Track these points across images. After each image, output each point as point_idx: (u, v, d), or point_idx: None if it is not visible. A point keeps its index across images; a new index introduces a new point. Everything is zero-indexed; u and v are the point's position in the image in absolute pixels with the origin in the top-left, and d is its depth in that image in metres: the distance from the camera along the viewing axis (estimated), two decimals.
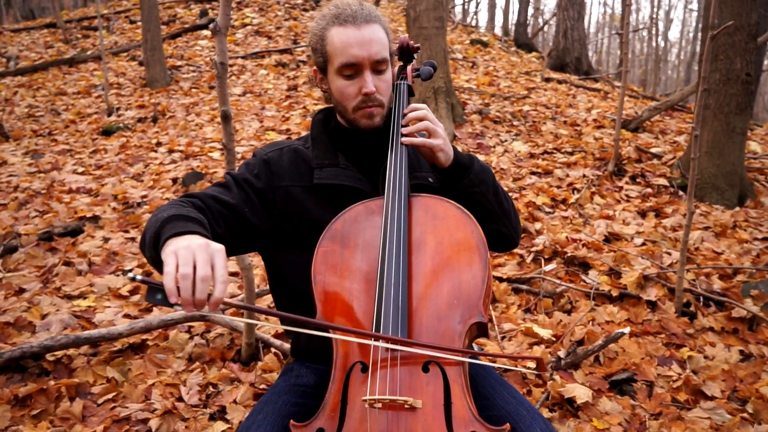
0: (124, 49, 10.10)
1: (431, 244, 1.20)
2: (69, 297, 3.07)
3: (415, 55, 1.54)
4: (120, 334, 2.59)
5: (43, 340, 2.47)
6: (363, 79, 1.27)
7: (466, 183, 1.29)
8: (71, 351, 2.53)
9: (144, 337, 2.67)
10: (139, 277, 0.91)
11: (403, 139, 1.27)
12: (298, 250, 1.29)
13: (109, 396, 2.32)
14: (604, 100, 7.98)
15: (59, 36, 11.14)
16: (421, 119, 1.27)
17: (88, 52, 9.99)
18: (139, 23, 8.94)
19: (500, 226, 1.35)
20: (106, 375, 2.42)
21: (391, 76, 1.35)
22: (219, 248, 0.96)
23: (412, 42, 1.51)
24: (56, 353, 2.49)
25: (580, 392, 2.29)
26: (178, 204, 1.16)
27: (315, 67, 1.36)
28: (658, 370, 2.52)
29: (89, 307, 2.96)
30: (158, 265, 1.01)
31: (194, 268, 0.91)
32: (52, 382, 2.33)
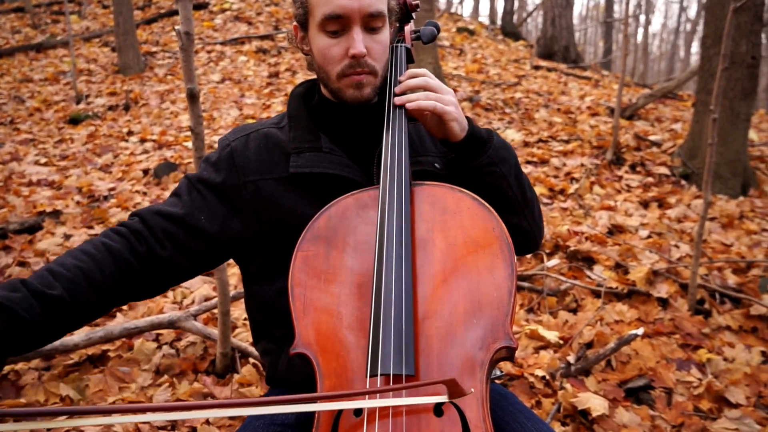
0: (96, 34, 9.63)
1: (440, 245, 0.93)
2: None
3: (414, 15, 1.27)
4: (76, 345, 2.28)
5: None
6: (351, 37, 1.00)
7: (484, 161, 1.03)
8: (20, 366, 2.23)
9: (105, 347, 2.38)
10: None
11: (397, 99, 1.04)
12: (276, 257, 1.03)
13: None
14: (596, 87, 7.78)
15: (27, 21, 10.59)
16: (422, 85, 1.01)
17: (58, 38, 9.49)
18: (112, 7, 8.50)
19: (521, 219, 1.09)
20: (59, 393, 2.13)
21: (387, 38, 1.08)
22: None
23: None
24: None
25: (595, 403, 2.06)
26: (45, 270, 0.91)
27: (295, 22, 1.08)
28: (677, 375, 2.30)
29: None
30: None
31: None
32: None
